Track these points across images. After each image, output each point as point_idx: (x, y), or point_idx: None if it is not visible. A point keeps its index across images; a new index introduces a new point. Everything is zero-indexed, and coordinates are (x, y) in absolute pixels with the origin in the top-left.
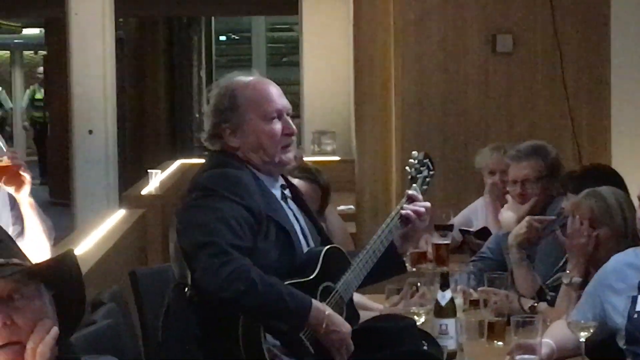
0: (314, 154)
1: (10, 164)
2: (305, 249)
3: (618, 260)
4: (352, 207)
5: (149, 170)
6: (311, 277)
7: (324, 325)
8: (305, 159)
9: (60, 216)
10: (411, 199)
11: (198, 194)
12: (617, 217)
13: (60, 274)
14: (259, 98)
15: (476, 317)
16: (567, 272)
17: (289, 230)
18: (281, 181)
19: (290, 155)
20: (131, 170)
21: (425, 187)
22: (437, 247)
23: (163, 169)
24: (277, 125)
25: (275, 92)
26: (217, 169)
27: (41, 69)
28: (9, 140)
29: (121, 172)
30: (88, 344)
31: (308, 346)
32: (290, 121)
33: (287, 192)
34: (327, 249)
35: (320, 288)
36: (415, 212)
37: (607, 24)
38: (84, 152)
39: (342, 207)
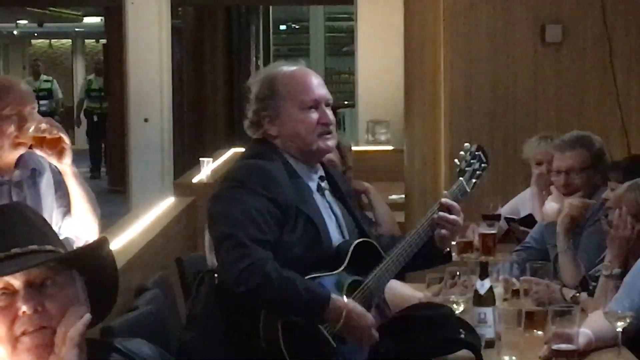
0: (367, 143)
1: (47, 134)
2: (339, 242)
3: None
4: (402, 196)
5: (200, 159)
6: (338, 270)
7: (342, 319)
8: (359, 148)
9: (117, 204)
10: (443, 207)
11: (227, 185)
12: None
13: (93, 262)
14: (297, 87)
15: (516, 307)
16: (607, 263)
17: (317, 223)
18: (320, 172)
19: (329, 143)
20: (189, 159)
21: (475, 180)
22: (483, 236)
23: (217, 158)
24: (314, 115)
25: (315, 81)
26: (250, 159)
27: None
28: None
29: (179, 160)
30: (130, 329)
31: (329, 339)
32: (328, 111)
33: (324, 184)
34: (358, 242)
35: (349, 281)
36: (446, 220)
37: None
38: (140, 140)
39: (393, 197)
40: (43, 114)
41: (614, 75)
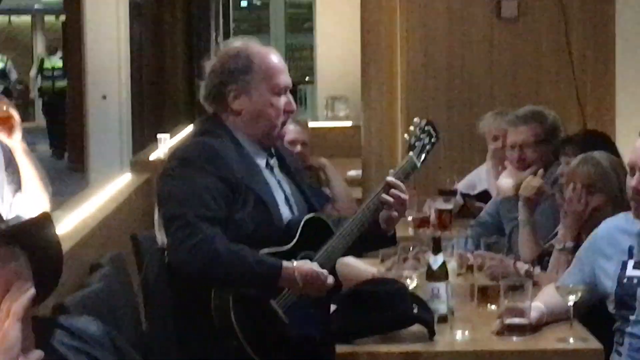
0: (327, 119)
1: None
2: (288, 218)
3: (609, 225)
4: (360, 172)
5: (157, 135)
6: (289, 246)
7: (299, 283)
8: (318, 124)
9: (77, 181)
10: (389, 186)
11: (176, 163)
12: (613, 183)
13: (36, 237)
14: (272, 69)
15: (469, 282)
16: (560, 237)
17: (267, 201)
18: (269, 149)
19: (283, 132)
20: (149, 136)
21: (424, 154)
22: (440, 212)
23: (174, 134)
24: (283, 100)
25: (284, 67)
26: (199, 137)
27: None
28: (26, 111)
29: (139, 137)
30: (81, 306)
31: (281, 314)
32: (292, 99)
33: (273, 160)
34: (308, 218)
35: (299, 257)
36: (394, 197)
37: None
38: (98, 117)
39: (351, 173)
40: None
41: (569, 50)
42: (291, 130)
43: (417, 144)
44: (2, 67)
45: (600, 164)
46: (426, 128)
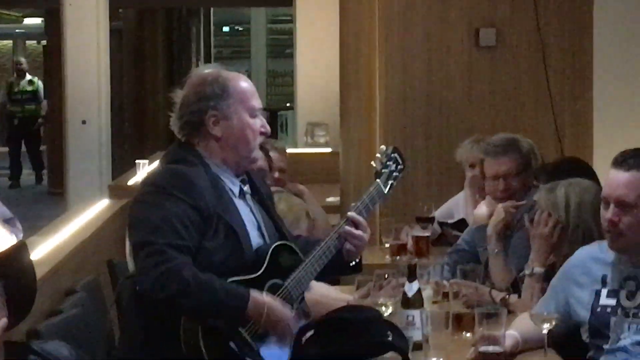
0: (307, 145)
1: None
2: (258, 245)
3: (583, 253)
4: (339, 199)
5: (136, 161)
6: (257, 273)
7: (264, 316)
8: (297, 150)
9: (57, 206)
10: (350, 223)
11: (148, 190)
12: (561, 212)
13: (11, 265)
14: (247, 92)
15: (444, 309)
16: (529, 262)
17: (238, 230)
18: (242, 176)
19: (258, 154)
20: (129, 162)
21: (391, 181)
22: (417, 239)
23: (153, 160)
24: (259, 122)
25: (255, 90)
26: (172, 164)
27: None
28: None
29: (120, 163)
30: (55, 332)
31: (249, 341)
32: (265, 121)
33: (246, 187)
34: (276, 245)
35: (267, 285)
36: (352, 236)
37: (590, 17)
38: (78, 142)
39: (330, 199)
40: None
41: (547, 78)
42: (272, 157)
43: (383, 170)
44: None
45: (553, 190)
46: (392, 155)
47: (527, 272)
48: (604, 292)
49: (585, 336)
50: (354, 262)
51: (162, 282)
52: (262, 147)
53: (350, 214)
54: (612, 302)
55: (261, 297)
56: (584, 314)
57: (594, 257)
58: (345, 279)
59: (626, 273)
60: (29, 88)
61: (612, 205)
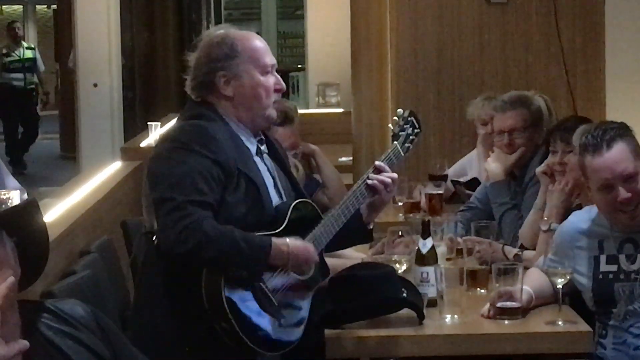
0: (318, 106)
1: None
2: (277, 203)
3: (574, 220)
4: (351, 158)
5: (148, 123)
6: (278, 230)
7: (289, 261)
8: (309, 111)
9: (69, 170)
10: (378, 170)
11: (168, 146)
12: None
13: (22, 223)
14: (257, 50)
15: (458, 266)
16: (545, 218)
17: (258, 185)
18: (259, 136)
19: (274, 112)
20: (141, 123)
21: (408, 144)
22: (430, 197)
23: (165, 122)
24: (272, 79)
25: (268, 48)
26: (192, 120)
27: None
28: None
29: (131, 125)
30: (69, 292)
31: (270, 296)
32: (280, 78)
33: (263, 147)
34: (297, 203)
35: None
36: (381, 182)
37: None
38: (89, 105)
39: (342, 159)
40: None
41: (558, 35)
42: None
43: (401, 133)
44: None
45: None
46: (409, 119)
47: (543, 227)
48: (603, 258)
49: (590, 304)
50: (371, 225)
51: (184, 237)
52: None
53: (378, 162)
54: (613, 268)
55: (283, 243)
56: (585, 282)
57: (586, 223)
58: None
59: (623, 236)
60: (30, 55)
61: (619, 186)
